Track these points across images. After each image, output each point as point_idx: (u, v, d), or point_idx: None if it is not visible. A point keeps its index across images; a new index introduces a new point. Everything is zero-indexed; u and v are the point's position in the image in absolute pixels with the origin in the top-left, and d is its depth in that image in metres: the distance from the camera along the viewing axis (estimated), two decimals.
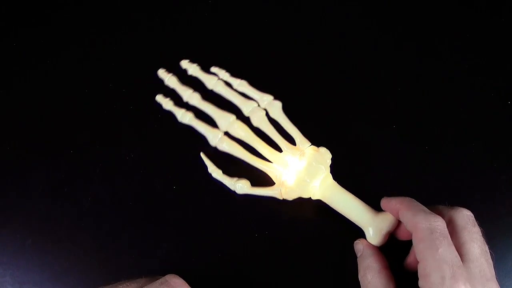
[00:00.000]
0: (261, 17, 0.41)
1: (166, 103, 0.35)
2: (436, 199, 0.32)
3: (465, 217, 0.25)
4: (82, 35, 0.41)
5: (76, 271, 0.31)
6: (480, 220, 0.31)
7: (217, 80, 0.36)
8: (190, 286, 0.26)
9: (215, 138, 0.33)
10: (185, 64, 0.37)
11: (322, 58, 0.38)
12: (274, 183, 0.32)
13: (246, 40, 0.39)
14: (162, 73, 0.37)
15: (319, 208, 0.32)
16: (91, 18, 0.42)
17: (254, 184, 0.32)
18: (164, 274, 0.26)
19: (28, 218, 0.33)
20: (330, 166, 0.32)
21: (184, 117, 0.35)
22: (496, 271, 0.24)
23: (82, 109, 0.37)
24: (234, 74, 0.37)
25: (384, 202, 0.28)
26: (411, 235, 0.25)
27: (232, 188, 0.32)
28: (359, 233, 0.30)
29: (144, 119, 0.36)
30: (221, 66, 0.38)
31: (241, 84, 0.35)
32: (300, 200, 0.32)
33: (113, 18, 0.42)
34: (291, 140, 0.34)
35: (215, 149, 0.34)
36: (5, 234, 0.32)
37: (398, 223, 0.28)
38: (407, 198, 0.27)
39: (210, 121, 0.35)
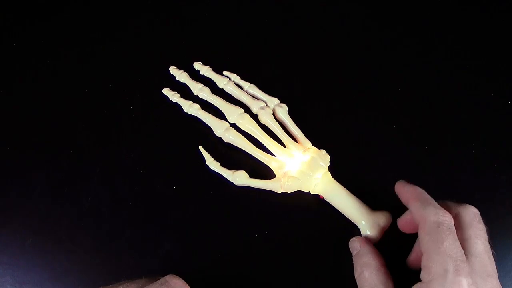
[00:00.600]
0: (260, 18, 0.41)
1: (173, 95, 0.36)
2: (436, 199, 0.32)
3: (471, 214, 0.25)
4: (82, 35, 0.41)
5: (76, 271, 0.31)
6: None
7: (228, 81, 0.37)
8: (190, 286, 0.26)
9: (221, 128, 0.34)
10: (197, 65, 0.38)
11: (323, 58, 0.38)
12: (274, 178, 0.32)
13: (246, 40, 0.40)
14: (173, 69, 0.38)
15: (318, 209, 0.32)
16: (91, 18, 0.42)
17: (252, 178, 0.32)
18: (164, 274, 0.26)
19: (28, 218, 0.33)
20: (328, 167, 0.32)
21: (191, 108, 0.35)
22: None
23: (82, 109, 0.37)
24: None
25: (399, 186, 0.28)
26: (415, 228, 0.25)
27: (230, 179, 0.32)
28: (356, 232, 0.30)
29: (144, 119, 0.36)
30: (220, 65, 0.38)
31: (251, 87, 0.36)
32: (298, 199, 0.32)
33: (113, 18, 0.42)
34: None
35: (215, 143, 0.34)
36: (5, 234, 0.32)
37: (403, 215, 0.28)
38: (419, 189, 0.27)
39: (217, 115, 0.35)
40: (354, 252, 0.28)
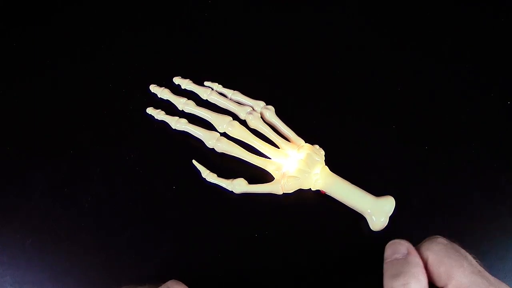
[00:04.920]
0: (258, 18, 0.41)
1: (158, 114, 0.36)
2: (436, 199, 0.32)
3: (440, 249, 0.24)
4: (82, 35, 0.41)
5: (76, 271, 0.31)
6: (480, 220, 0.31)
7: (211, 91, 0.36)
8: (190, 286, 0.26)
9: (212, 138, 0.34)
10: (177, 80, 0.38)
11: (323, 59, 0.38)
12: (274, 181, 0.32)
13: (246, 39, 0.40)
14: (154, 87, 0.37)
15: (319, 208, 0.32)
16: (91, 18, 0.42)
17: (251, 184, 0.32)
18: (163, 274, 0.26)
19: (28, 218, 0.33)
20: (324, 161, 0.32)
21: (178, 123, 0.35)
22: (496, 271, 0.24)
23: (82, 109, 0.37)
24: (234, 72, 0.37)
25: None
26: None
27: (229, 188, 0.32)
28: (360, 226, 0.30)
29: (144, 119, 0.36)
30: (220, 65, 0.38)
31: (235, 94, 0.36)
32: (299, 199, 0.32)
33: (113, 18, 0.42)
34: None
35: (209, 154, 0.34)
36: (5, 234, 0.32)
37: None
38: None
39: (205, 127, 0.35)
40: (396, 256, 0.24)
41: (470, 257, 0.23)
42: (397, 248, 0.24)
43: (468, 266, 0.22)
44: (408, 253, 0.23)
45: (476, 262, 0.23)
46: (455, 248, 0.23)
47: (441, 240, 0.24)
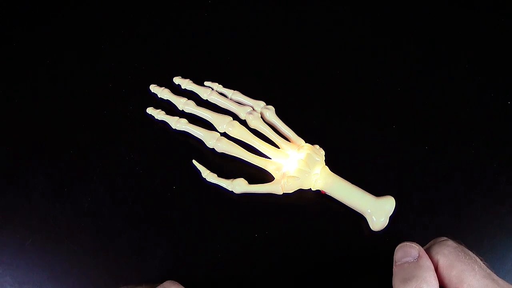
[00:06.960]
0: (258, 17, 0.41)
1: (158, 114, 0.36)
2: (436, 199, 0.32)
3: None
4: (82, 35, 0.41)
5: (76, 271, 0.31)
6: (480, 220, 0.31)
7: (211, 91, 0.36)
8: (190, 286, 0.26)
9: (212, 139, 0.34)
10: (177, 80, 0.38)
11: (323, 58, 0.38)
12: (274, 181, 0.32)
13: (246, 39, 0.40)
14: (154, 87, 0.37)
15: (319, 208, 0.32)
16: (91, 19, 0.42)
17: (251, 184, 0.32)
18: (163, 275, 0.26)
19: (28, 218, 0.33)
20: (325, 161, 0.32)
21: (179, 123, 0.35)
22: (496, 271, 0.24)
23: (82, 109, 0.37)
24: (234, 72, 0.38)
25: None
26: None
27: (229, 188, 0.32)
28: (359, 226, 0.30)
29: (144, 119, 0.36)
30: (220, 65, 0.38)
31: (235, 94, 0.36)
32: (299, 199, 0.32)
33: (113, 18, 0.42)
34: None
35: (209, 154, 0.34)
36: (5, 234, 0.32)
37: None
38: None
39: (206, 127, 0.35)
40: (407, 259, 0.24)
41: (479, 260, 0.23)
42: (408, 251, 0.24)
43: (479, 270, 0.22)
44: (419, 257, 0.23)
45: (484, 265, 0.23)
46: (465, 251, 0.23)
47: (451, 243, 0.24)
